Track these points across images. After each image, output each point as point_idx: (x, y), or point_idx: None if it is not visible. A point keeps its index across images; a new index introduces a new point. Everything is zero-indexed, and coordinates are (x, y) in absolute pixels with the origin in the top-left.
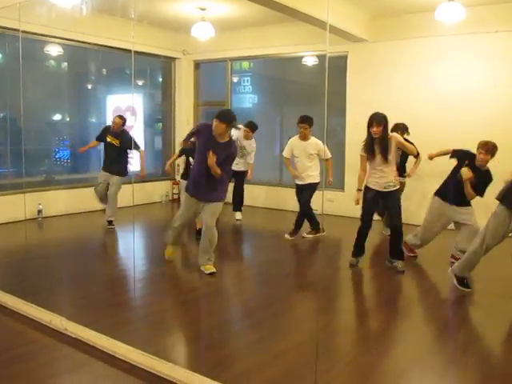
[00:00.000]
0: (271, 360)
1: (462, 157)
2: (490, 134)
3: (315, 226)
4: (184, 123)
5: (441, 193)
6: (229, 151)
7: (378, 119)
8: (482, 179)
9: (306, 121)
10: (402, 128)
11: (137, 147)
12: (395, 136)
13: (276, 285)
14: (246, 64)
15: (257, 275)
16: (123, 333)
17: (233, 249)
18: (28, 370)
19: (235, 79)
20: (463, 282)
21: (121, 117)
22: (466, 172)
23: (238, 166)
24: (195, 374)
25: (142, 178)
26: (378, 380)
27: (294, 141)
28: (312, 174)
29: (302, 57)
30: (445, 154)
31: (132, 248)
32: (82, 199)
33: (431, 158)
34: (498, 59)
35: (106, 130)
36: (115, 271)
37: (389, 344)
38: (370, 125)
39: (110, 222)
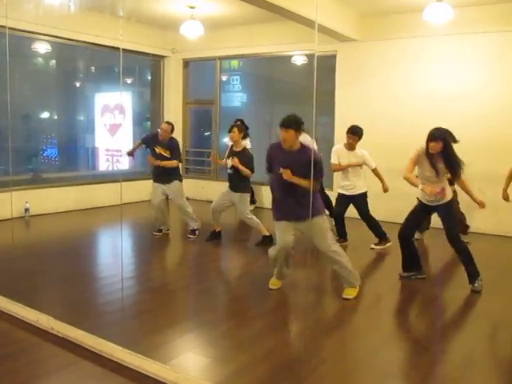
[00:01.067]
0: (259, 360)
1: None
2: (478, 134)
3: None
4: (172, 121)
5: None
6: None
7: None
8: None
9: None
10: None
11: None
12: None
13: (264, 284)
14: (235, 63)
15: (245, 274)
16: (110, 332)
17: (220, 250)
18: (15, 369)
19: (224, 78)
20: None
21: (168, 123)
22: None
23: None
24: (182, 374)
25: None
26: (365, 379)
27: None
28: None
29: (291, 56)
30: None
31: (120, 247)
32: (70, 198)
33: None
34: (485, 60)
35: (154, 138)
36: (103, 270)
37: (377, 343)
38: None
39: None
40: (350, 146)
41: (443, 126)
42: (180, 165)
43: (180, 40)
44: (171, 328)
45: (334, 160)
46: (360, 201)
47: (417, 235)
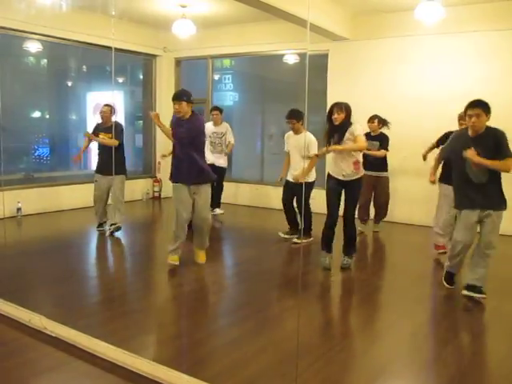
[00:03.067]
0: (252, 357)
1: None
2: None
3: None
4: (165, 121)
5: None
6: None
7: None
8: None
9: (292, 116)
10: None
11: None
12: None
13: (257, 282)
14: (227, 62)
15: (238, 273)
16: (103, 331)
17: (214, 247)
18: (7, 369)
19: (216, 77)
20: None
21: (108, 105)
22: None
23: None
24: (176, 372)
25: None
26: (358, 377)
27: (289, 134)
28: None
29: (283, 55)
30: (432, 148)
31: (112, 246)
32: (62, 197)
33: (425, 158)
34: (476, 58)
35: (97, 127)
36: (95, 269)
37: (369, 341)
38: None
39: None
40: (294, 130)
41: (434, 123)
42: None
43: (172, 39)
44: (163, 327)
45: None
46: (305, 189)
47: (361, 227)
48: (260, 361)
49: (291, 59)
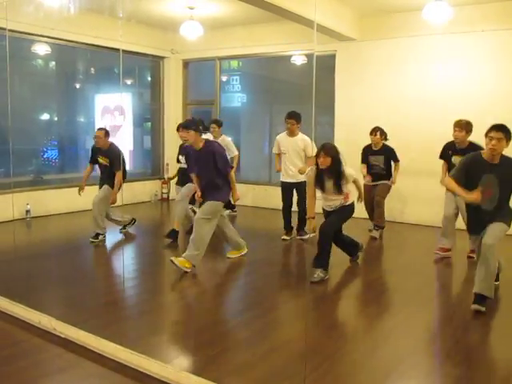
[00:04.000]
0: (261, 358)
1: (445, 151)
2: (478, 133)
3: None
4: (173, 122)
5: None
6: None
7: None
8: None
9: (294, 116)
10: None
11: (118, 168)
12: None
13: (265, 283)
14: (234, 63)
15: (246, 274)
16: (112, 332)
17: (220, 249)
18: (17, 370)
19: (224, 78)
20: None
21: (101, 129)
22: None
23: None
24: (184, 373)
25: (112, 203)
26: (366, 377)
27: (282, 136)
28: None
29: (290, 56)
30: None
31: (121, 248)
32: (71, 199)
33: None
34: (484, 58)
35: (95, 150)
36: (104, 271)
37: (377, 341)
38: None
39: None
40: (291, 132)
41: (442, 125)
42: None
43: (179, 41)
44: (172, 328)
45: (273, 149)
46: (302, 188)
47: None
48: (269, 361)
49: (299, 60)
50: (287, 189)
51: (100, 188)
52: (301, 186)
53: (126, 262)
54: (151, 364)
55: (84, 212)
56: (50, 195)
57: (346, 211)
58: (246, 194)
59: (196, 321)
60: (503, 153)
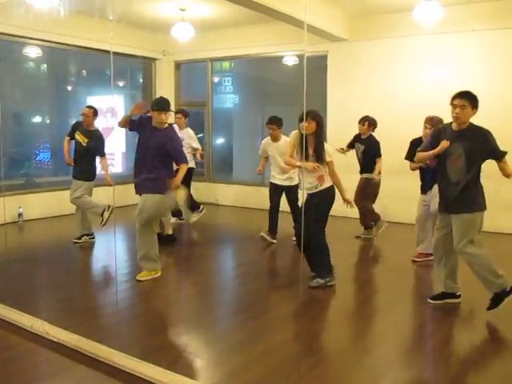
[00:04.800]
0: (255, 360)
1: (413, 147)
2: None
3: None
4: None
5: (422, 189)
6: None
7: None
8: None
9: (275, 122)
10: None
11: (103, 153)
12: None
13: (258, 285)
14: (226, 64)
15: (238, 275)
16: (105, 335)
17: (212, 250)
18: (10, 375)
19: (216, 79)
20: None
21: (90, 107)
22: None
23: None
24: (178, 376)
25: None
26: (361, 378)
27: (267, 141)
28: (290, 176)
29: (282, 56)
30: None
31: (114, 250)
32: (64, 202)
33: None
34: (475, 58)
35: (77, 125)
36: (97, 274)
37: (371, 342)
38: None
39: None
40: (274, 137)
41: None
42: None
43: (171, 42)
44: (166, 330)
45: (260, 152)
46: (292, 192)
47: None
48: (263, 364)
49: (290, 61)
50: (275, 191)
51: (73, 177)
52: (291, 190)
53: (118, 265)
54: (145, 367)
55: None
56: (42, 198)
57: (325, 198)
58: (238, 194)
59: (189, 323)
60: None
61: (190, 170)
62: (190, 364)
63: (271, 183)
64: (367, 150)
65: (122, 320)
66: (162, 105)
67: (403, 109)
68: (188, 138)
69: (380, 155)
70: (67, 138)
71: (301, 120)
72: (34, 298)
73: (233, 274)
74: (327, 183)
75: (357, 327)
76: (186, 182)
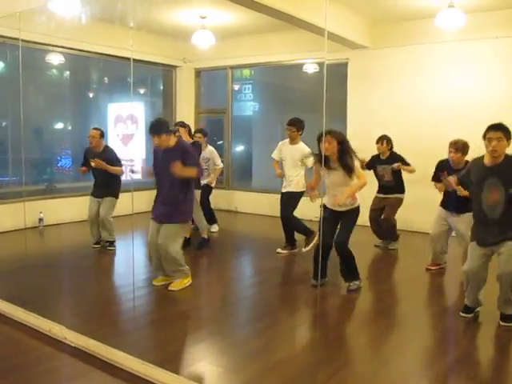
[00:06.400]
0: (272, 369)
1: (439, 170)
2: None
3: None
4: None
5: (442, 203)
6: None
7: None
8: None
9: (295, 123)
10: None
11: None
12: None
13: (275, 294)
14: (246, 72)
15: (256, 283)
16: (123, 342)
17: (231, 258)
18: (27, 379)
19: (236, 87)
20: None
21: (96, 128)
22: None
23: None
24: (194, 383)
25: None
26: None
27: (283, 143)
28: (302, 183)
29: (302, 64)
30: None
31: (132, 257)
32: (84, 208)
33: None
34: (498, 65)
35: (88, 152)
36: (115, 280)
37: (389, 353)
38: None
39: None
40: (291, 139)
41: (456, 132)
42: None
43: (191, 50)
44: (183, 338)
45: (273, 155)
46: (295, 198)
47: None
48: (279, 373)
49: (311, 68)
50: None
51: (95, 197)
52: (297, 196)
53: (136, 272)
54: (161, 374)
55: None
56: (63, 204)
57: (355, 215)
58: (257, 202)
59: (206, 331)
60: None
61: (208, 188)
62: (207, 372)
63: (282, 193)
64: (396, 168)
65: (139, 326)
66: (150, 128)
67: (425, 117)
68: (211, 156)
69: (409, 164)
70: (83, 168)
71: (287, 124)
72: (53, 303)
73: (250, 281)
74: (358, 200)
75: (375, 337)
76: (205, 199)
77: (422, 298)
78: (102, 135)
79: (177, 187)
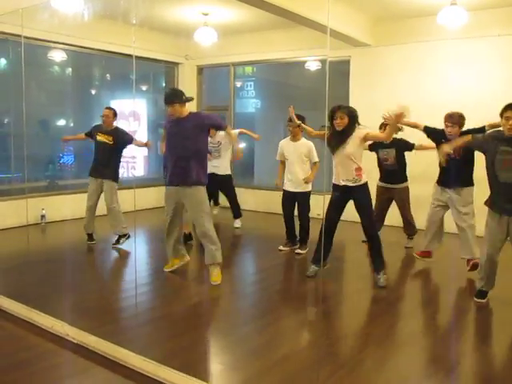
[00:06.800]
0: (273, 366)
1: (436, 137)
2: None
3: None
4: None
5: (439, 180)
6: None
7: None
8: (464, 150)
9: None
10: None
11: (132, 140)
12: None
13: (277, 291)
14: (249, 69)
15: (258, 281)
16: (125, 338)
17: (234, 255)
18: (29, 375)
19: (238, 84)
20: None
21: (110, 108)
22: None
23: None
24: (197, 380)
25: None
26: None
27: (285, 142)
28: (305, 182)
29: (304, 61)
30: (413, 126)
31: (134, 253)
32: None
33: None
34: (500, 63)
35: (96, 127)
36: (117, 276)
37: (391, 351)
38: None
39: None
40: (293, 136)
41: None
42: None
43: (193, 47)
44: (185, 335)
45: (277, 156)
46: (305, 198)
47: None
48: (281, 370)
49: (313, 66)
50: (289, 198)
51: (95, 177)
52: (304, 196)
53: (138, 268)
54: (163, 371)
55: (99, 217)
56: (65, 200)
57: (366, 193)
58: (259, 199)
59: (208, 328)
60: None
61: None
62: (208, 369)
63: (285, 190)
64: (400, 153)
65: (141, 323)
66: (165, 98)
67: (427, 114)
68: (223, 140)
69: (413, 144)
70: (83, 134)
71: (288, 121)
72: (55, 300)
73: (252, 279)
74: (364, 178)
75: (377, 335)
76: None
77: (424, 296)
78: (115, 114)
79: (192, 158)
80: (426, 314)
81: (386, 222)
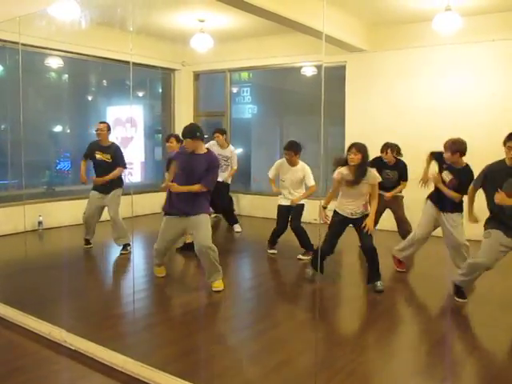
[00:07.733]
0: (271, 371)
1: (439, 160)
2: (489, 143)
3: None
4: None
5: (432, 197)
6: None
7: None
8: (461, 178)
9: (292, 147)
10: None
11: (124, 165)
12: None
13: (274, 296)
14: (245, 74)
15: (254, 287)
16: (122, 344)
17: (229, 261)
18: (27, 382)
19: (235, 90)
20: (460, 291)
21: (103, 122)
22: (436, 178)
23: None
24: None
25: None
26: None
27: (283, 163)
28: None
29: (300, 67)
30: (429, 162)
31: (132, 259)
32: (83, 211)
33: (425, 181)
34: (495, 68)
35: (93, 146)
36: (115, 282)
37: (388, 355)
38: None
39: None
40: (290, 162)
41: (453, 135)
42: (124, 171)
43: (190, 53)
44: (182, 341)
45: (269, 173)
46: (299, 211)
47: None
48: (279, 375)
49: (309, 71)
50: (284, 212)
51: (99, 192)
52: (298, 208)
53: (136, 275)
54: (161, 377)
55: (98, 223)
56: (62, 207)
57: (366, 218)
58: (255, 205)
59: (205, 334)
60: None
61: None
62: (206, 374)
63: (280, 205)
64: (401, 173)
65: (139, 329)
66: (187, 132)
67: (422, 119)
68: (232, 155)
69: (407, 179)
70: (84, 161)
71: (284, 149)
72: (52, 306)
73: (249, 284)
74: (368, 210)
75: (375, 339)
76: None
77: (422, 300)
78: (109, 129)
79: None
80: (423, 318)
81: (380, 226)
